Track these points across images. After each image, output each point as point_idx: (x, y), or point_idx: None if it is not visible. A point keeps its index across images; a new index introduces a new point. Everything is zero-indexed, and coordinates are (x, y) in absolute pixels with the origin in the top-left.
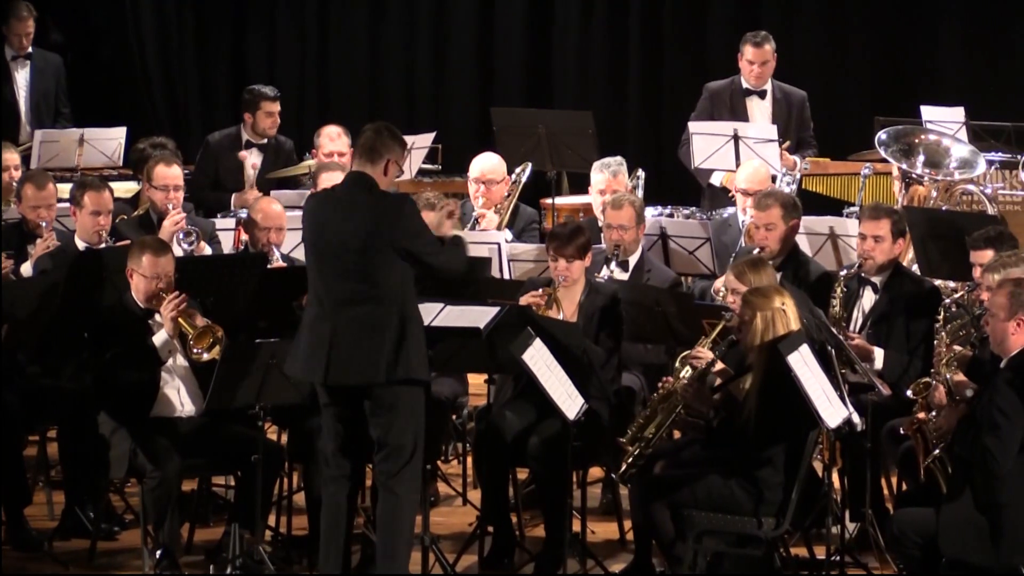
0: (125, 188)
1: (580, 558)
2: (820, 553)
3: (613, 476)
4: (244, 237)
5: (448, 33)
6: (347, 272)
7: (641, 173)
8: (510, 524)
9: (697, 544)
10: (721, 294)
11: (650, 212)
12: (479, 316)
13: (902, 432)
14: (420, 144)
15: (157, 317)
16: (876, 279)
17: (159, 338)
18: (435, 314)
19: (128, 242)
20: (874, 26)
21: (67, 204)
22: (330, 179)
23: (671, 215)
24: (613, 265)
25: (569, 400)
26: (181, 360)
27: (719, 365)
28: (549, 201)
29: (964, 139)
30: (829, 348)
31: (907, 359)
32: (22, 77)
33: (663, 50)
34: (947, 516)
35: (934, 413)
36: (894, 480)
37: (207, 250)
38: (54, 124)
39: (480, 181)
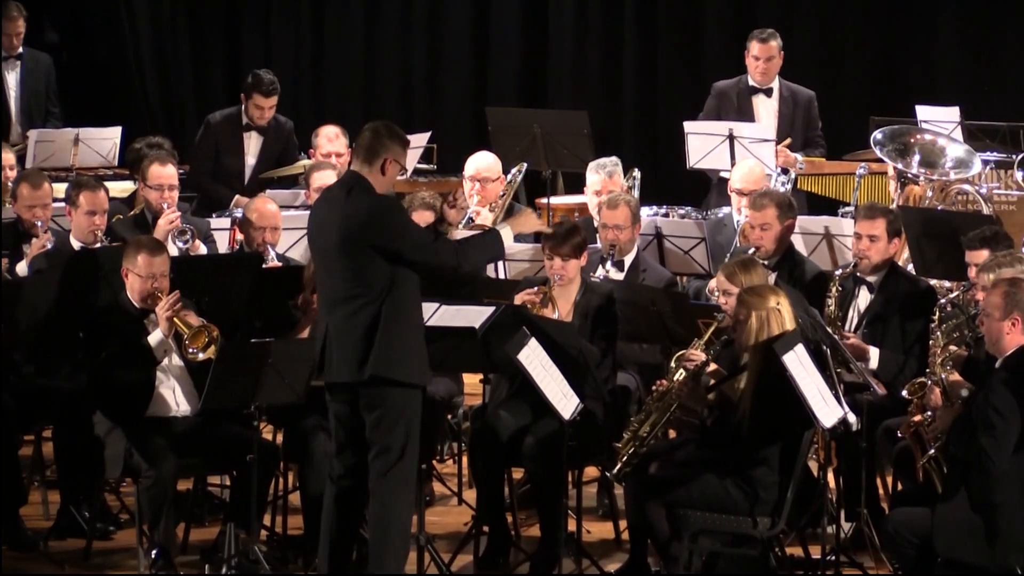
0: (120, 188)
1: (575, 558)
2: (815, 553)
3: (608, 475)
4: (239, 237)
5: (443, 33)
6: (334, 271)
7: (637, 173)
8: (505, 524)
9: (692, 544)
10: (715, 295)
11: (645, 212)
12: (474, 316)
13: (899, 434)
14: (415, 144)
15: (152, 317)
16: (871, 279)
17: (154, 338)
18: (431, 314)
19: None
20: (870, 26)
21: (62, 204)
22: (321, 179)
23: (666, 215)
24: (609, 265)
25: (564, 400)
26: (176, 360)
27: (712, 366)
28: (544, 201)
29: (959, 139)
30: (824, 348)
31: (902, 359)
32: (12, 78)
33: (658, 50)
34: (942, 516)
35: (929, 413)
36: (889, 480)
37: (202, 249)
38: (44, 124)
39: (476, 179)
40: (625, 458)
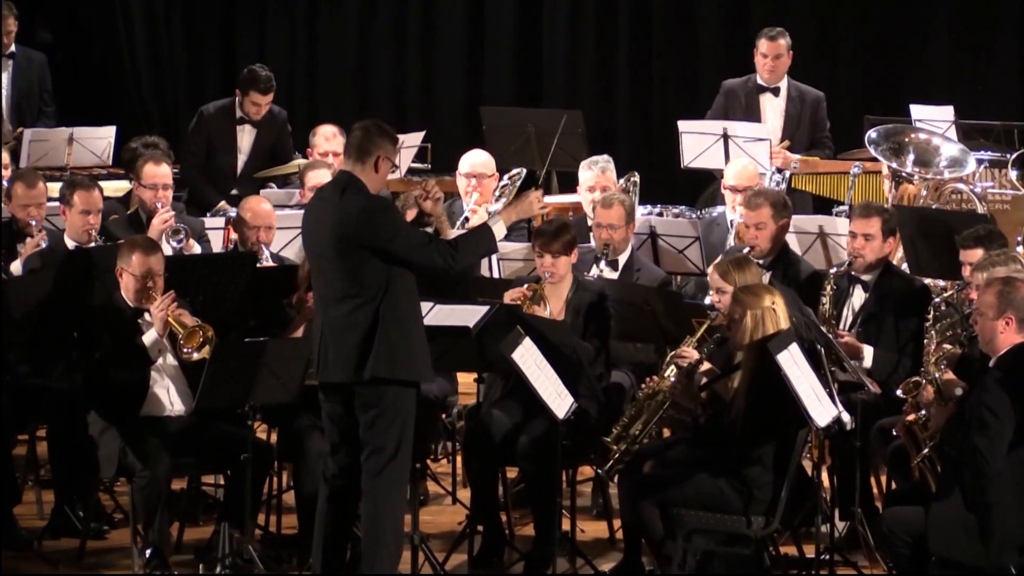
0: (115, 187)
1: (570, 557)
2: (809, 552)
3: (599, 472)
4: (233, 236)
5: (438, 32)
6: (329, 271)
7: (636, 178)
8: (500, 523)
9: (687, 543)
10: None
11: (640, 211)
12: (469, 315)
13: (893, 433)
14: (409, 143)
15: (147, 316)
16: (866, 277)
17: (149, 337)
18: (425, 313)
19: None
20: (864, 25)
21: (57, 203)
22: (316, 178)
23: (660, 214)
24: (603, 264)
25: (559, 399)
26: (171, 359)
27: (705, 365)
28: None
29: (954, 138)
30: (819, 347)
31: (896, 358)
32: (4, 76)
33: (652, 49)
34: (936, 515)
35: (923, 412)
36: (883, 479)
37: (196, 248)
38: (36, 122)
39: (471, 176)
40: (617, 456)
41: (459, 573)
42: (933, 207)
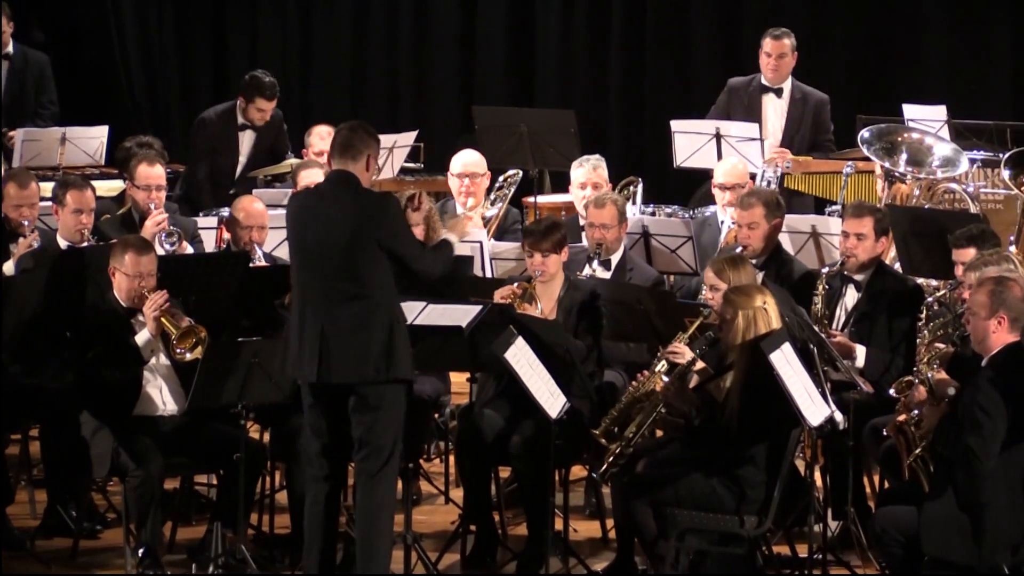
0: (108, 187)
1: (562, 557)
2: (802, 551)
3: (594, 475)
4: (226, 236)
5: (430, 32)
6: (334, 271)
7: (639, 185)
8: (492, 523)
9: (679, 542)
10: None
11: (632, 211)
12: (461, 315)
13: (885, 435)
14: (402, 143)
15: (140, 316)
16: (859, 277)
17: (142, 337)
18: (417, 312)
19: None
20: (856, 25)
21: (50, 203)
22: (309, 177)
23: (653, 214)
24: (595, 264)
25: (551, 398)
26: (163, 359)
27: (699, 364)
28: (531, 200)
29: (946, 137)
30: (811, 346)
31: (889, 357)
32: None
33: (645, 49)
34: (929, 515)
35: (915, 412)
36: (876, 478)
37: (189, 250)
38: (33, 120)
39: (464, 175)
40: (611, 458)
41: (452, 573)
42: (926, 207)
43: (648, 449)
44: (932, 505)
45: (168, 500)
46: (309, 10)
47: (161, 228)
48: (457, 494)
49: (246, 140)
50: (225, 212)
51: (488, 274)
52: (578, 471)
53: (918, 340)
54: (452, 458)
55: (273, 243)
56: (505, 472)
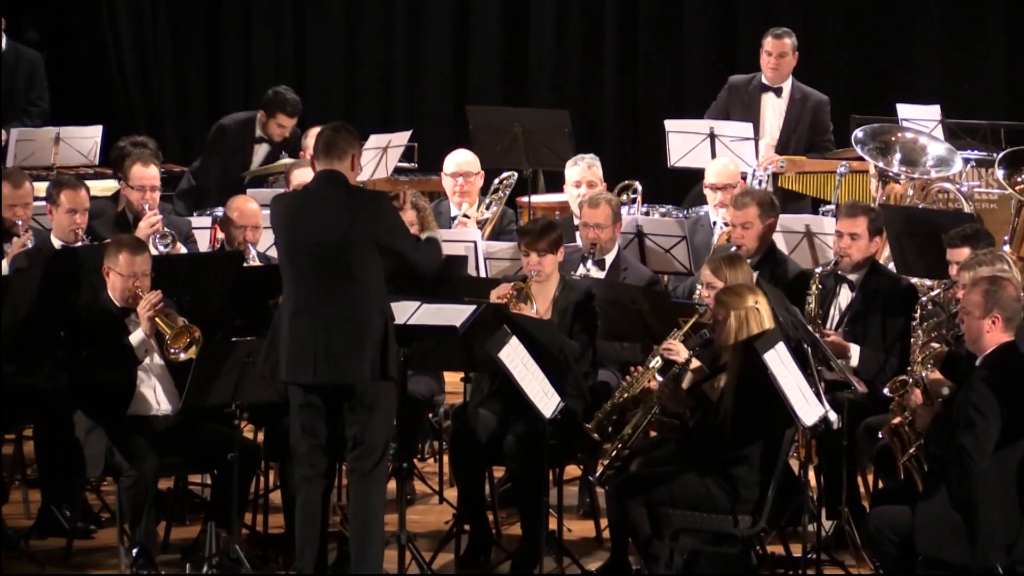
0: (102, 186)
1: (556, 556)
2: (796, 551)
3: (590, 479)
4: (220, 235)
5: (424, 32)
6: (327, 270)
7: (638, 189)
8: (486, 522)
9: (673, 542)
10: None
11: (626, 210)
12: (455, 314)
13: (880, 435)
14: (396, 143)
15: (134, 316)
16: (852, 277)
17: (136, 337)
18: (411, 312)
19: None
20: (850, 24)
21: (43, 203)
22: (301, 176)
23: (647, 213)
24: (590, 263)
25: (545, 398)
26: (157, 359)
27: (695, 363)
28: (525, 199)
29: (940, 137)
30: (805, 346)
31: (883, 357)
32: None
33: (639, 49)
34: (923, 514)
35: (908, 412)
36: (870, 478)
37: (182, 251)
38: (21, 119)
39: (457, 175)
40: (607, 461)
41: (446, 573)
42: (920, 206)
43: (642, 449)
44: (926, 505)
45: (162, 500)
46: (303, 10)
47: (155, 229)
48: (451, 494)
49: (260, 153)
50: (219, 212)
51: (482, 274)
52: (572, 471)
53: (912, 340)
54: (446, 458)
55: (267, 243)
56: (499, 472)
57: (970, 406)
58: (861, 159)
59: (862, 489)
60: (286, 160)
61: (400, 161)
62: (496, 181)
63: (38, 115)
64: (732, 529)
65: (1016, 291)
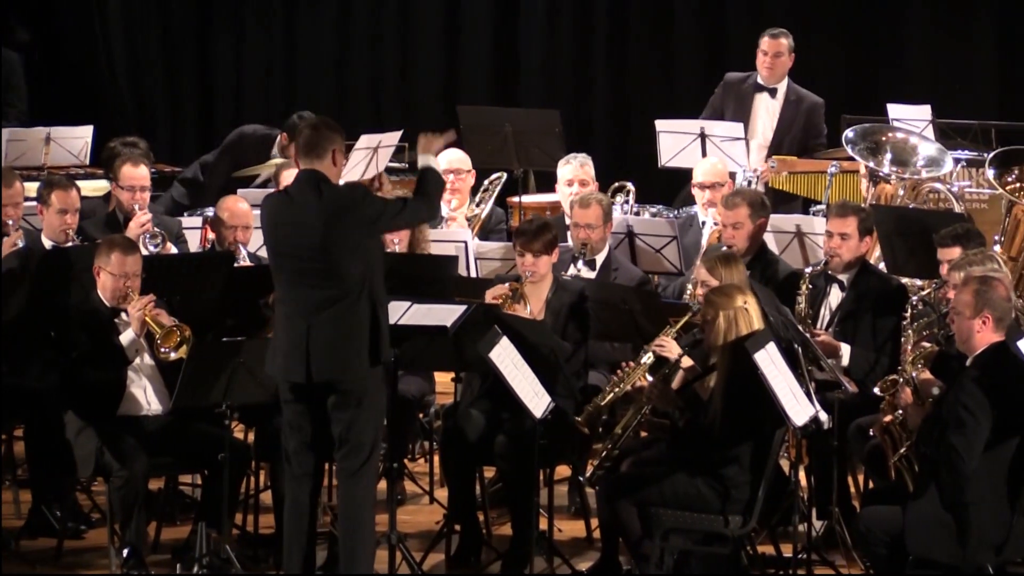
0: (93, 187)
1: (547, 556)
2: (787, 551)
3: (581, 479)
4: (211, 235)
5: (415, 32)
6: (310, 271)
7: (631, 190)
8: (477, 522)
9: (664, 542)
10: (689, 289)
11: (617, 210)
12: (446, 314)
13: (871, 434)
14: (387, 142)
15: (124, 316)
16: (843, 277)
17: (126, 337)
18: (402, 312)
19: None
20: (841, 24)
21: (34, 203)
22: (291, 176)
23: (637, 213)
24: (580, 264)
25: (536, 398)
26: (148, 359)
27: (687, 361)
28: (516, 199)
29: (931, 137)
30: (796, 346)
31: (874, 356)
32: None
33: (629, 49)
34: (913, 514)
35: (899, 412)
36: (861, 478)
37: (173, 251)
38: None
39: (449, 172)
40: (597, 462)
41: (436, 573)
42: (910, 206)
43: (633, 449)
44: (917, 505)
45: (152, 500)
46: (294, 10)
47: (145, 229)
48: (442, 494)
49: (268, 170)
50: (210, 212)
51: (473, 274)
52: (562, 471)
53: (903, 340)
54: (437, 458)
55: (258, 243)
56: (490, 472)
57: (960, 406)
58: (852, 159)
59: (852, 489)
60: (276, 160)
61: (391, 161)
62: (486, 182)
63: (15, 116)
64: (722, 529)
65: (1006, 291)
